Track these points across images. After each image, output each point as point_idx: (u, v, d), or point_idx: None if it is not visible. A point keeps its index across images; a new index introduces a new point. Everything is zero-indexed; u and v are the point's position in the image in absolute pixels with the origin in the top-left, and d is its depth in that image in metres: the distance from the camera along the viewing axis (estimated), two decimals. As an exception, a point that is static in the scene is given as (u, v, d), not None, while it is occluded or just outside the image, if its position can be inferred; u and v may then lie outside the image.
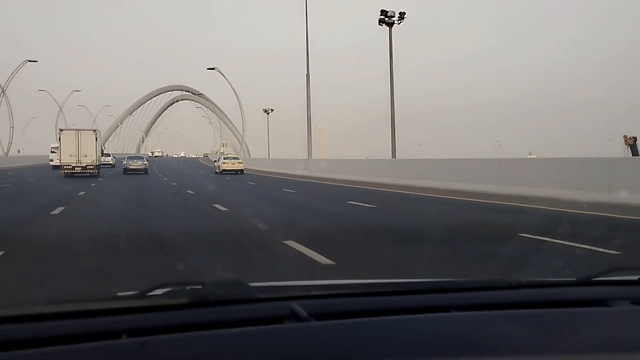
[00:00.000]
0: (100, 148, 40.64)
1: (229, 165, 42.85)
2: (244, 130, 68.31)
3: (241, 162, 44.27)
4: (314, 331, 1.31)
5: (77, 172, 35.12)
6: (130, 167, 41.73)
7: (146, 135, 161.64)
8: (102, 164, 59.08)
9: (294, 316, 1.35)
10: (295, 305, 1.37)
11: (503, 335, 1.35)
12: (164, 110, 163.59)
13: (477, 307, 1.52)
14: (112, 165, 57.64)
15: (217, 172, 43.18)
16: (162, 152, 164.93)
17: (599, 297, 1.61)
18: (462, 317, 1.46)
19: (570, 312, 1.52)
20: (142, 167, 41.88)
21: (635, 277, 1.71)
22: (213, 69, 62.25)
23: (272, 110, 62.11)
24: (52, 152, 49.84)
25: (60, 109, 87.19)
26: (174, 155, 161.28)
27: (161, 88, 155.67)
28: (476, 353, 1.25)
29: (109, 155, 62.99)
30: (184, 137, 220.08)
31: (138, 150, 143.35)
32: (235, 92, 61.62)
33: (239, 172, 41.80)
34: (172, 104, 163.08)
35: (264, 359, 1.19)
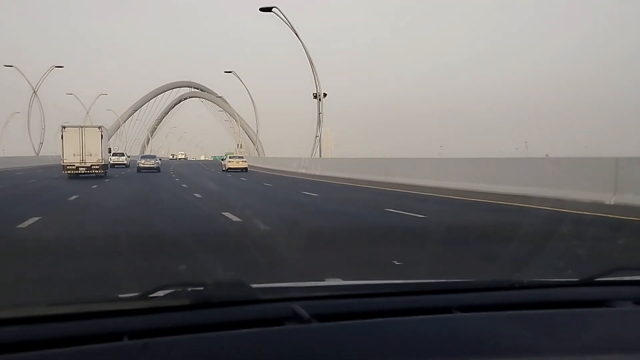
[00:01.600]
0: (107, 146, 39.32)
1: (233, 164, 46.76)
2: (320, 112, 51.90)
3: (245, 161, 47.98)
4: (315, 332, 1.35)
5: (81, 173, 33.10)
6: (144, 165, 44.92)
7: (151, 135, 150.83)
8: (116, 164, 57.85)
9: (296, 317, 1.38)
10: (297, 307, 1.40)
11: (506, 336, 1.38)
12: (170, 109, 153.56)
13: (479, 307, 1.56)
14: (126, 165, 58.59)
15: (223, 170, 46.81)
16: (185, 155, 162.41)
17: (602, 297, 1.64)
18: (465, 318, 1.49)
19: (572, 313, 1.55)
20: (155, 165, 45.27)
21: (638, 277, 1.75)
22: (270, 9, 42.35)
23: (325, 95, 45.98)
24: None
25: (35, 92, 76.15)
26: (192, 159, 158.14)
27: (167, 84, 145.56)
28: (479, 354, 1.29)
29: (122, 154, 63.23)
30: (193, 138, 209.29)
31: (142, 152, 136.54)
32: (307, 54, 45.94)
33: (243, 170, 45.26)
34: (180, 102, 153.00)
35: None
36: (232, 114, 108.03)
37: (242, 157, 50.70)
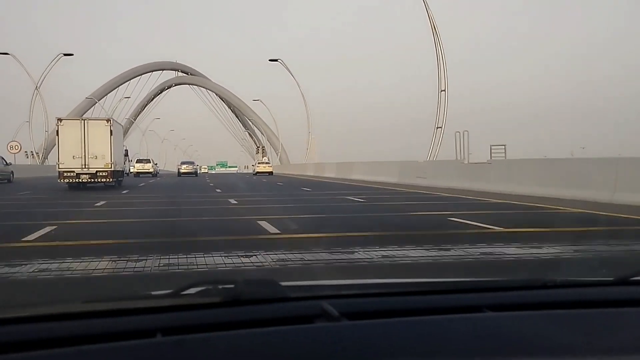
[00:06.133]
0: (123, 147, 33.04)
1: (261, 168, 63.82)
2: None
3: (270, 166, 65.59)
4: (345, 331, 1.44)
5: (84, 182, 27.07)
6: (184, 170, 59.46)
7: (124, 136, 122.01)
8: (141, 172, 58.92)
9: (326, 315, 1.48)
10: (327, 305, 1.50)
11: (538, 336, 1.46)
12: (149, 101, 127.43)
13: (511, 307, 1.65)
14: (153, 174, 59.51)
15: (253, 174, 61.63)
16: (208, 168, 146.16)
17: (638, 297, 1.74)
18: (496, 317, 1.58)
19: (608, 313, 1.63)
20: (193, 170, 60.81)
21: None
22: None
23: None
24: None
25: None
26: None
27: (143, 66, 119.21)
28: (510, 354, 1.37)
29: (148, 161, 62.23)
30: (182, 140, 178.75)
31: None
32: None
33: (270, 174, 59.36)
34: (162, 91, 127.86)
35: (295, 358, 1.32)
36: (267, 132, 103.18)
37: (268, 162, 69.11)
